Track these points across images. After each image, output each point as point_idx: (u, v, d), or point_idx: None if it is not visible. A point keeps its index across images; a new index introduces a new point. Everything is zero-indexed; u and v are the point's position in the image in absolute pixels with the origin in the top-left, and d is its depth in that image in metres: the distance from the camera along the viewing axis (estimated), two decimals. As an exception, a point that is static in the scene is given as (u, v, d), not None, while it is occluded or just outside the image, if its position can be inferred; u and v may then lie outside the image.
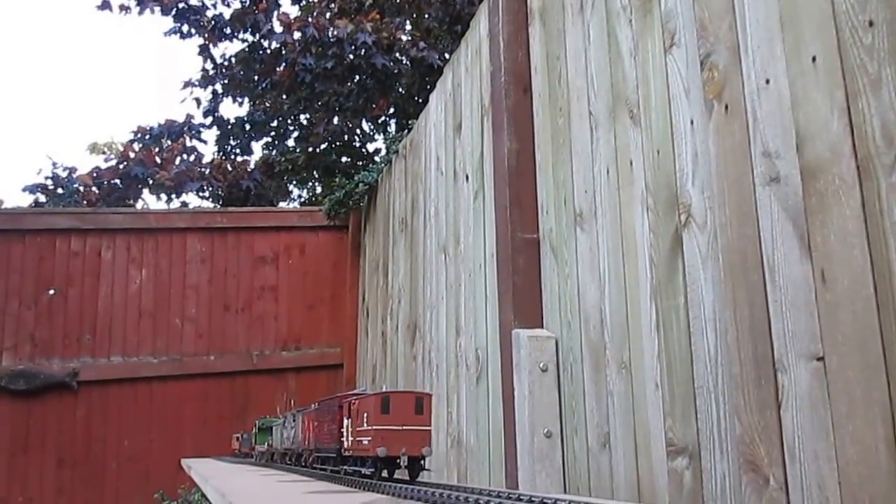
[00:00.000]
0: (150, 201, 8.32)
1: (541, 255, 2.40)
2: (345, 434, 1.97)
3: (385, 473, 1.77)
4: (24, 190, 8.03)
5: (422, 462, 1.76)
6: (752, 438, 1.42)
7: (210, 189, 8.18)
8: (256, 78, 8.31)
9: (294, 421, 2.80)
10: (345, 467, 2.00)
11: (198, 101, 8.73)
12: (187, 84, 8.64)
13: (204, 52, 8.49)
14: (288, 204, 9.19)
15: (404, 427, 1.74)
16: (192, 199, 8.42)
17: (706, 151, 1.62)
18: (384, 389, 1.86)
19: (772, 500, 1.36)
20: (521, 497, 1.36)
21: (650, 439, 1.74)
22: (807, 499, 1.29)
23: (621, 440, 1.87)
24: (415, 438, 1.73)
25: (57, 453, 4.99)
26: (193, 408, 5.27)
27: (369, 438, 1.75)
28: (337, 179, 5.69)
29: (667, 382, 1.70)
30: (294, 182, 9.13)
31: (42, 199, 7.98)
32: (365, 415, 1.80)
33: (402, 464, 1.75)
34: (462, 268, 3.09)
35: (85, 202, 7.86)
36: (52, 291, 5.21)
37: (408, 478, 1.73)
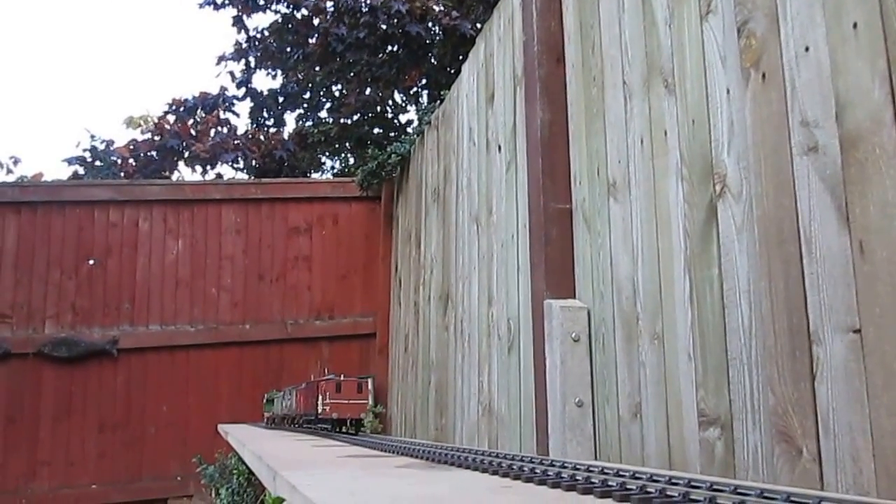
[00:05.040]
0: (185, 173, 8.42)
1: (573, 225, 2.39)
2: (319, 404, 2.92)
3: (348, 431, 2.92)
4: (63, 162, 8.19)
5: (361, 422, 2.98)
6: (785, 410, 1.42)
7: (244, 160, 8.25)
8: (289, 49, 8.32)
9: (290, 395, 3.75)
10: (318, 426, 3.04)
11: (231, 73, 8.78)
12: (221, 58, 8.68)
13: (238, 23, 8.51)
14: (321, 175, 9.23)
15: (350, 401, 2.86)
16: (227, 171, 8.51)
17: (742, 121, 1.60)
18: (342, 378, 2.94)
19: (804, 472, 1.36)
20: (554, 462, 1.38)
21: (682, 409, 1.75)
22: (840, 470, 1.28)
23: (653, 410, 1.87)
24: (356, 408, 2.88)
25: (98, 418, 5.13)
26: (229, 375, 5.38)
27: (329, 407, 2.83)
28: (369, 150, 5.70)
29: (699, 353, 1.70)
30: (327, 153, 9.16)
31: (81, 171, 8.12)
32: (327, 392, 2.86)
33: (349, 423, 2.90)
34: (494, 238, 3.09)
35: (122, 174, 7.98)
36: (91, 261, 5.33)
37: (353, 431, 2.90)
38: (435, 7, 7.79)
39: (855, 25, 1.30)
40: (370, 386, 5.11)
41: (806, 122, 1.41)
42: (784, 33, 1.48)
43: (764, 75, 1.54)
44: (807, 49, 1.42)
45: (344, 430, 2.90)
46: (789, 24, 1.47)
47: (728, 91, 1.65)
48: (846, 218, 1.30)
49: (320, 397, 2.92)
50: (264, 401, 4.65)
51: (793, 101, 1.45)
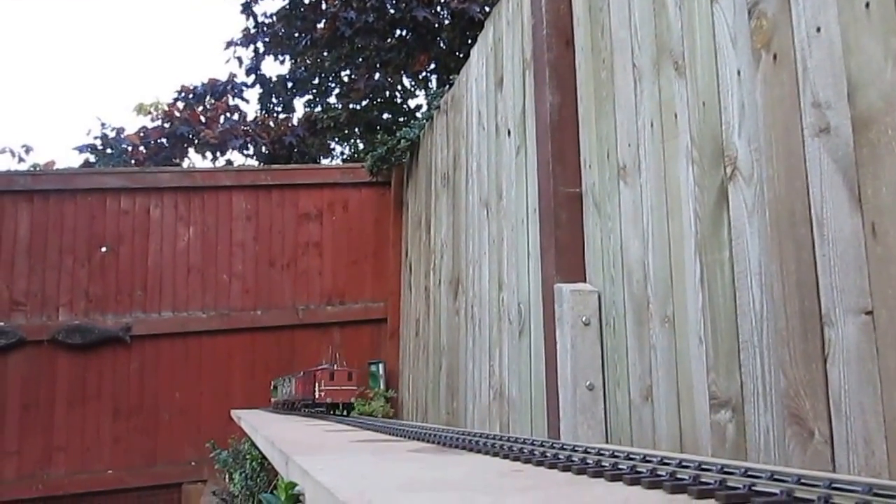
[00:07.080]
0: (195, 160, 8.44)
1: (583, 209, 2.39)
2: (315, 390, 3.35)
3: (340, 413, 3.30)
4: (74, 150, 8.22)
5: (352, 406, 3.38)
6: (797, 392, 1.41)
7: (254, 146, 8.25)
8: (297, 35, 8.30)
9: (290, 382, 4.18)
10: (315, 409, 3.43)
11: (240, 60, 8.78)
12: (230, 44, 8.67)
13: (246, 9, 8.50)
14: (330, 161, 9.23)
15: (341, 387, 3.32)
16: (237, 157, 8.53)
17: (753, 103, 1.58)
18: (335, 367, 3.40)
19: (816, 454, 1.36)
20: (565, 446, 1.38)
21: (693, 392, 1.75)
22: (852, 452, 1.28)
23: (664, 393, 1.87)
24: (346, 393, 3.33)
25: (113, 404, 5.19)
26: (241, 361, 5.41)
27: (323, 393, 3.28)
28: (379, 136, 5.70)
29: (710, 336, 1.69)
30: (336, 139, 9.15)
31: (92, 159, 8.15)
32: (322, 380, 3.31)
33: (341, 407, 3.30)
34: (504, 223, 3.09)
35: (133, 161, 8.01)
36: (104, 249, 5.36)
37: (345, 413, 3.29)
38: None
39: (867, 5, 1.29)
40: (381, 370, 5.19)
41: (818, 103, 1.40)
42: (795, 14, 1.47)
43: (775, 56, 1.52)
44: (818, 29, 1.40)
45: (337, 412, 3.32)
46: (801, 4, 1.45)
47: (739, 73, 1.64)
48: (858, 199, 1.29)
49: (316, 384, 3.34)
50: (272, 387, 4.84)
51: (804, 83, 1.44)
